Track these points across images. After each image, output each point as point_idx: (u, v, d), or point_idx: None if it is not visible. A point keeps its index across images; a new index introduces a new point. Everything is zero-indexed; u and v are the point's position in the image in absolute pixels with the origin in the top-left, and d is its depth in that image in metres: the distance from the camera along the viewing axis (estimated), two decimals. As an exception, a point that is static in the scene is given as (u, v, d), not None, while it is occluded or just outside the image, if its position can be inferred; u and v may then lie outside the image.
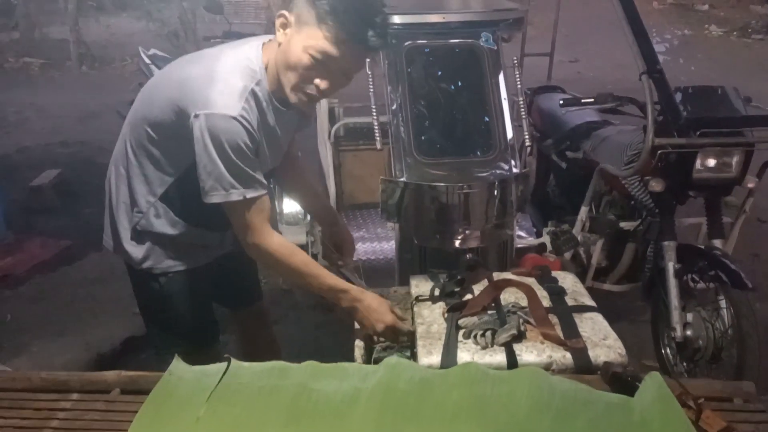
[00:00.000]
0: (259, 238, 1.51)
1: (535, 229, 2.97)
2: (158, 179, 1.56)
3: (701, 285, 2.29)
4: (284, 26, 1.43)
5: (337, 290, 1.58)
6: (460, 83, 2.43)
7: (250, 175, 1.45)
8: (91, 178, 4.96)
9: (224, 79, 1.42)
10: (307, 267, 1.56)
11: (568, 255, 2.69)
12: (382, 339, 1.64)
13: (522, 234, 2.87)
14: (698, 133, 2.13)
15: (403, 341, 1.62)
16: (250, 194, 1.46)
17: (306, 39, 1.39)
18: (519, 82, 2.48)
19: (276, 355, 2.00)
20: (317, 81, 1.44)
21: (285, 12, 1.42)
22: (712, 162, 2.18)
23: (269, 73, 1.48)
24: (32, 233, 3.98)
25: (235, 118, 1.39)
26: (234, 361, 1.40)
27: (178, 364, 1.39)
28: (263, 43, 1.50)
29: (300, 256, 1.55)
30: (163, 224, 1.62)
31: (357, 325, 1.66)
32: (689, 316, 2.23)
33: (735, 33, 10.48)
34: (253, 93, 1.44)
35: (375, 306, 1.57)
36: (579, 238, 2.66)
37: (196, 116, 1.39)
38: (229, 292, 1.96)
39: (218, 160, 1.40)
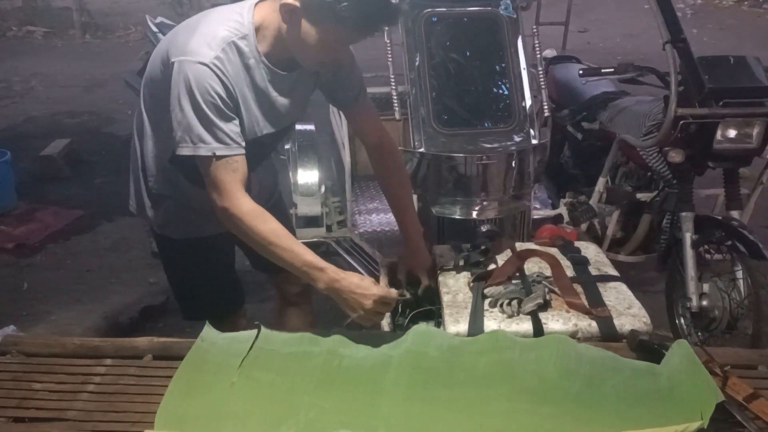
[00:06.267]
0: (228, 200, 1.41)
1: (550, 201, 2.98)
2: (165, 141, 1.54)
3: (717, 256, 2.30)
4: (292, 13, 1.36)
5: (312, 267, 1.40)
6: (478, 52, 2.42)
7: (222, 129, 1.38)
8: (100, 147, 4.98)
9: (205, 29, 1.41)
10: (279, 238, 1.41)
11: (583, 226, 2.70)
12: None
13: (538, 205, 2.87)
14: (720, 103, 2.12)
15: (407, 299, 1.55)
16: (221, 151, 1.38)
17: (324, 33, 1.35)
18: (538, 52, 2.46)
19: (309, 325, 2.02)
20: (334, 58, 1.46)
21: (291, 1, 1.34)
22: (732, 133, 2.16)
23: (264, 34, 1.43)
24: (44, 203, 3.99)
25: (206, 65, 1.35)
26: (264, 329, 1.42)
27: (209, 331, 1.41)
28: (256, 3, 1.46)
29: (272, 225, 1.42)
30: (176, 188, 1.62)
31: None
32: (705, 287, 2.24)
33: (746, 2, 10.31)
34: (236, 45, 1.40)
35: (357, 282, 1.40)
36: (596, 209, 2.66)
37: (172, 63, 1.38)
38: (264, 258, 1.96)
39: (188, 108, 1.36)
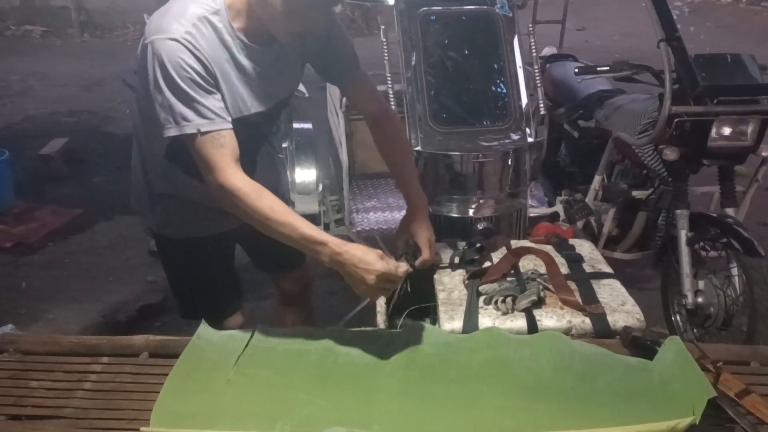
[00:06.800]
0: (220, 176, 1.36)
1: (546, 199, 2.99)
2: (159, 136, 1.50)
3: (713, 253, 2.31)
4: None
5: (313, 241, 1.34)
6: (475, 51, 2.43)
7: (203, 104, 1.35)
8: (98, 146, 4.99)
9: (176, 8, 1.38)
10: (276, 213, 1.35)
11: (580, 224, 2.71)
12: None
13: (534, 203, 2.88)
14: (715, 101, 2.13)
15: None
16: (206, 127, 1.35)
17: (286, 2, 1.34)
18: (534, 50, 2.47)
19: (308, 324, 2.01)
20: (305, 26, 1.40)
21: None
22: (727, 130, 2.17)
23: (237, 9, 1.41)
24: (42, 202, 3.99)
25: (176, 40, 1.32)
26: (260, 326, 1.43)
27: (205, 329, 1.42)
28: None
29: (268, 200, 1.36)
30: (176, 185, 1.61)
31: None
32: (701, 284, 2.25)
33: (744, 0, 10.33)
34: (208, 21, 1.37)
35: (360, 255, 1.32)
36: (592, 207, 2.67)
37: (146, 45, 1.36)
38: (265, 257, 1.96)
39: (165, 87, 1.33)
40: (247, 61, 1.45)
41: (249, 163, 1.60)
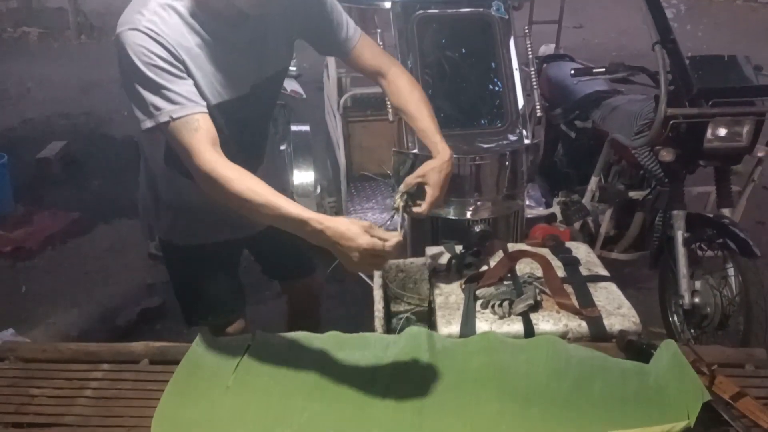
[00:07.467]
0: (197, 160, 1.30)
1: (544, 200, 3.00)
2: (156, 142, 1.49)
3: (709, 253, 2.33)
4: None
5: (295, 220, 1.25)
6: (471, 53, 2.43)
7: (172, 90, 1.32)
8: (96, 149, 4.99)
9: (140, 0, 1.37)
10: (257, 195, 1.27)
11: (577, 225, 2.72)
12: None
13: (531, 204, 2.89)
14: (710, 102, 2.14)
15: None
16: (177, 113, 1.31)
17: None
18: (530, 52, 2.48)
19: (315, 331, 2.02)
20: None
21: None
22: (723, 131, 2.19)
23: None
24: (41, 206, 4.00)
25: (137, 29, 1.30)
26: (259, 333, 1.44)
27: (204, 336, 1.43)
28: None
29: (249, 181, 1.29)
30: (177, 190, 1.61)
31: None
32: (697, 284, 2.26)
33: (741, -3, 10.35)
34: (171, 7, 1.35)
35: (342, 230, 1.21)
36: (589, 208, 2.68)
37: (113, 41, 1.35)
38: (275, 265, 1.97)
39: (134, 78, 1.31)
40: (219, 42, 1.41)
41: (250, 160, 1.54)
